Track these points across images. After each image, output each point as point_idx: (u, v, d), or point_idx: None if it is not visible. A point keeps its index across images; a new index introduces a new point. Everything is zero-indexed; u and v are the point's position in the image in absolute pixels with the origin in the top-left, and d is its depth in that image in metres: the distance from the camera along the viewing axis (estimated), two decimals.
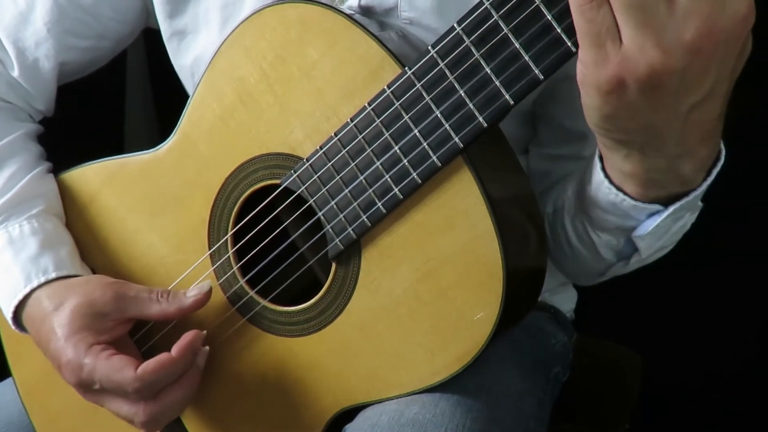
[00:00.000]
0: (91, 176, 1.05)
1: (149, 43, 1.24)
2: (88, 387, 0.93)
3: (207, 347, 0.95)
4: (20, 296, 0.98)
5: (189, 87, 1.11)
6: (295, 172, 0.90)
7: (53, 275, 0.98)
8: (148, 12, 1.09)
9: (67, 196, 1.06)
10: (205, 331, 0.94)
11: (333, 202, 0.89)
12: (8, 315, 1.00)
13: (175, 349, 0.91)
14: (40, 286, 0.98)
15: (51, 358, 0.96)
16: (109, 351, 0.92)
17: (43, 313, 0.96)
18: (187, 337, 0.92)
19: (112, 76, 1.41)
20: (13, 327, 1.01)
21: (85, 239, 1.04)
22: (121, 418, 0.94)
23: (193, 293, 0.95)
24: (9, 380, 1.15)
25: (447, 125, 0.82)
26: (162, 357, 0.91)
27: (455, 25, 0.80)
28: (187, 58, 1.07)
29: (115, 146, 1.04)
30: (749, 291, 1.52)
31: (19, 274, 0.99)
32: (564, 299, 1.22)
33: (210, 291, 0.95)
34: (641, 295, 1.54)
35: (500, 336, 0.87)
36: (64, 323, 0.94)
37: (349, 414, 0.94)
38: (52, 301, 0.96)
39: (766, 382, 1.58)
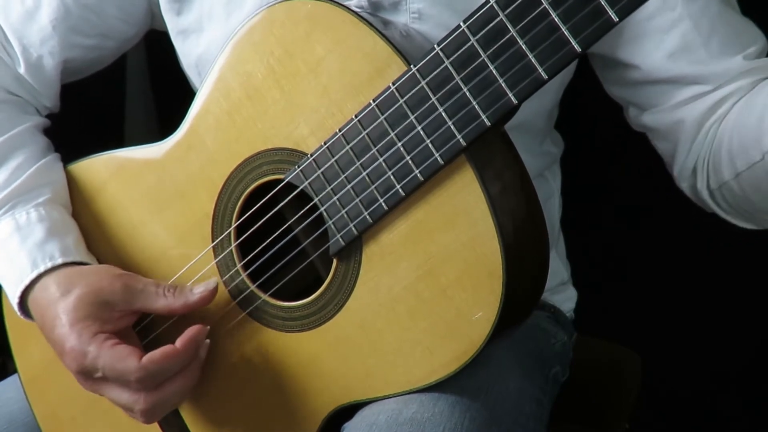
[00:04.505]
0: (99, 167, 1.05)
1: (149, 43, 1.24)
2: (89, 374, 0.94)
3: (208, 340, 0.95)
4: (27, 281, 0.99)
5: (197, 85, 1.11)
6: (298, 167, 0.90)
7: (60, 261, 0.99)
8: (153, 13, 1.10)
9: (75, 186, 1.07)
10: (208, 327, 0.95)
11: (335, 198, 0.89)
12: (14, 300, 1.01)
13: (180, 341, 0.92)
14: (47, 272, 0.98)
15: (54, 343, 0.96)
16: (113, 340, 0.93)
17: (49, 298, 0.97)
18: (191, 331, 0.92)
19: (112, 76, 1.41)
20: (18, 313, 1.02)
21: (91, 229, 1.05)
22: (120, 406, 0.94)
23: (199, 290, 0.95)
24: (9, 379, 1.16)
25: (450, 123, 0.83)
26: (167, 348, 0.91)
27: (461, 23, 0.80)
28: (194, 55, 1.07)
29: (115, 145, 1.05)
30: (749, 291, 1.52)
31: (26, 259, 0.99)
32: (564, 299, 1.22)
33: (216, 288, 0.95)
34: (641, 295, 1.54)
35: (500, 337, 0.87)
36: (69, 310, 0.94)
37: (348, 413, 0.94)
38: (60, 287, 0.96)
39: (766, 383, 1.58)
